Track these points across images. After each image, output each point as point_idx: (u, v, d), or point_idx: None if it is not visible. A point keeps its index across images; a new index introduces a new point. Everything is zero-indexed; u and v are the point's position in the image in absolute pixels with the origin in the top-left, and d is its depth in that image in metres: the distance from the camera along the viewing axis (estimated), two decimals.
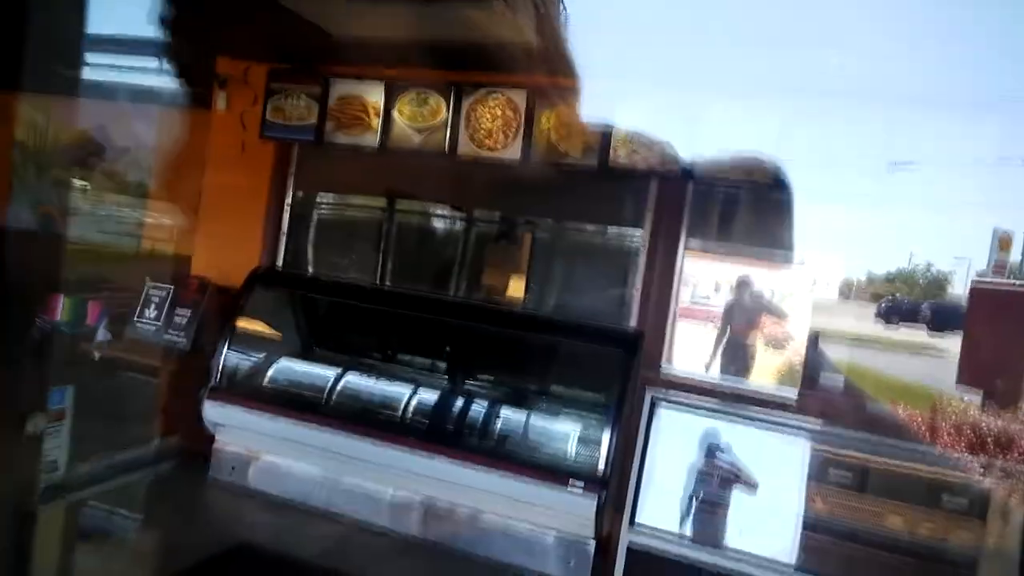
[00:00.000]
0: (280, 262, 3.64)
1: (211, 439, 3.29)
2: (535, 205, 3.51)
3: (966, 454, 2.61)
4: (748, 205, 2.96)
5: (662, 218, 2.94)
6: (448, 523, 2.91)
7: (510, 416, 3.04)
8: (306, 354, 3.52)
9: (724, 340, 2.95)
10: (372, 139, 3.26)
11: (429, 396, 3.14)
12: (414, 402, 3.12)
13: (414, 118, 3.21)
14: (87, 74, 4.51)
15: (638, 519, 2.76)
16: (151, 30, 3.40)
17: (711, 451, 2.74)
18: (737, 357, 2.94)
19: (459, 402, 3.11)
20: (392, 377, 3.30)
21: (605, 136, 2.86)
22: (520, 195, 3.54)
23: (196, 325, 3.32)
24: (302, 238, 3.76)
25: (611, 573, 2.76)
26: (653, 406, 2.82)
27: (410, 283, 3.76)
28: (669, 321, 2.92)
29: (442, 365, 3.35)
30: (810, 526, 2.55)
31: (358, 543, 2.88)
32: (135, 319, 3.42)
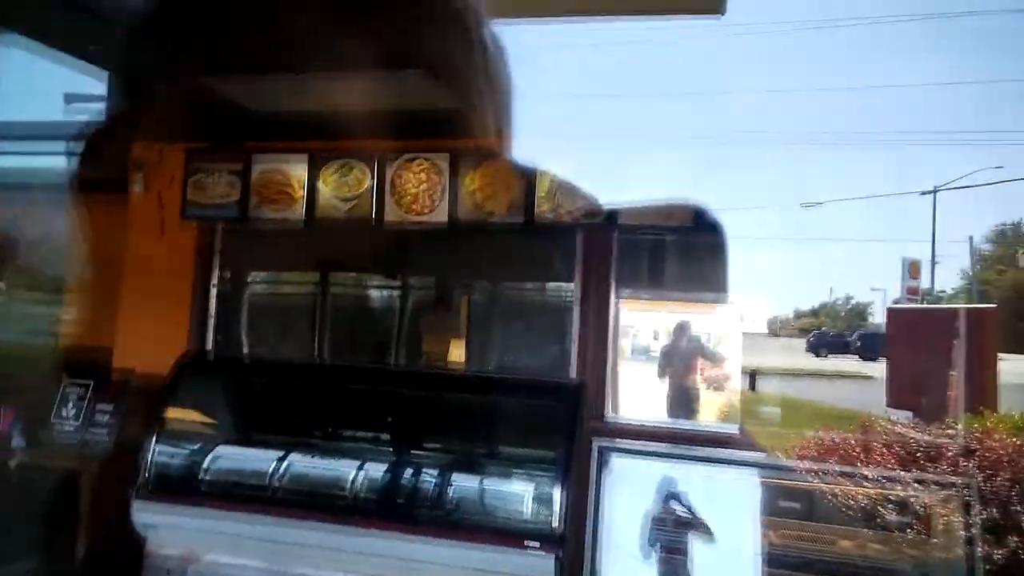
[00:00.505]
0: (210, 346, 3.51)
1: (143, 543, 3.08)
2: (468, 268, 3.54)
3: (900, 470, 2.69)
4: (673, 250, 3.05)
5: (591, 268, 3.00)
6: None
7: (459, 483, 2.96)
8: (244, 440, 3.36)
9: (665, 385, 2.99)
10: (298, 212, 3.24)
11: (377, 471, 3.03)
12: (361, 478, 3.00)
13: (339, 188, 3.21)
14: None
15: (599, 575, 2.71)
16: (61, 115, 3.32)
17: (666, 497, 2.74)
18: (679, 400, 2.98)
19: (407, 473, 3.02)
20: (337, 454, 3.18)
21: (529, 192, 2.93)
22: (452, 259, 3.56)
23: (119, 421, 3.14)
24: (232, 319, 3.65)
25: None
26: (601, 455, 2.81)
27: (348, 356, 3.69)
28: (609, 370, 2.95)
29: (387, 436, 3.26)
30: (769, 560, 2.56)
31: None
32: (52, 420, 3.21)
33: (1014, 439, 2.91)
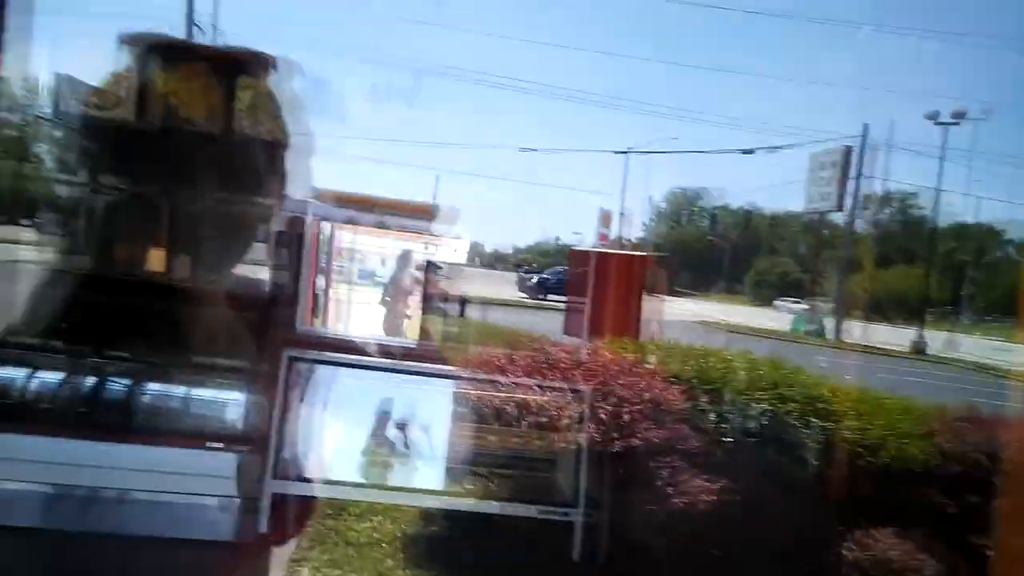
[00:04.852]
0: None
1: None
2: (168, 173, 3.39)
3: (546, 381, 3.30)
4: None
5: (289, 185, 3.09)
6: (99, 510, 2.72)
7: (150, 389, 2.94)
8: None
9: (353, 302, 3.26)
10: None
11: (55, 378, 2.87)
12: (37, 386, 2.83)
13: None
14: None
15: (280, 471, 2.94)
16: None
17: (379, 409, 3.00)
18: (362, 317, 3.27)
19: (93, 380, 2.91)
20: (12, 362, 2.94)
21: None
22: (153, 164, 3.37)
23: None
24: None
25: (260, 522, 2.89)
26: (290, 364, 3.00)
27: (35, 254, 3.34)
28: (308, 285, 3.12)
29: (65, 344, 3.07)
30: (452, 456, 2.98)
31: None
32: None
33: (617, 355, 3.73)
